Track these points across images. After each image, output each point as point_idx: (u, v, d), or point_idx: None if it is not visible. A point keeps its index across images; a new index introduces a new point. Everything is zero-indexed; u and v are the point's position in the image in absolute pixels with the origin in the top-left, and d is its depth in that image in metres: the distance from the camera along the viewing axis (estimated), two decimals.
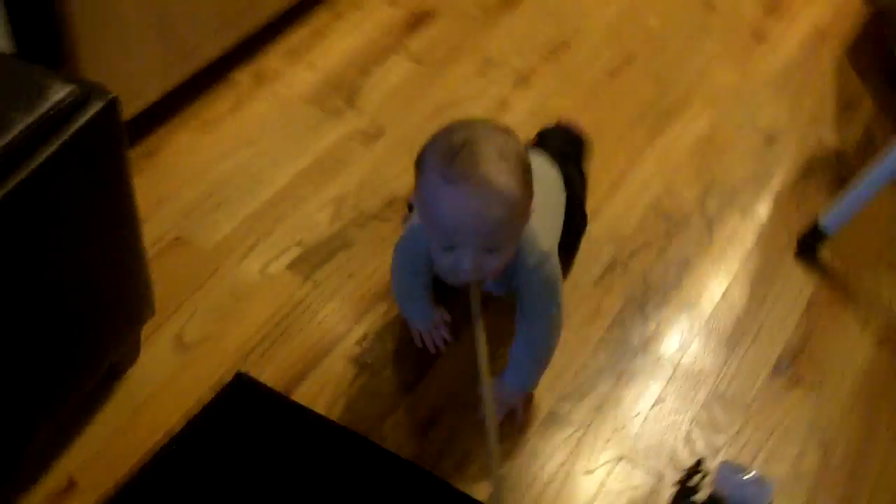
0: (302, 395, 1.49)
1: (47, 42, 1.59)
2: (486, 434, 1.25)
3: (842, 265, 1.74)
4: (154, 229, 1.71)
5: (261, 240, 1.72)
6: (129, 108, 1.77)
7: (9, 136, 1.13)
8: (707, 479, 1.32)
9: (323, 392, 1.49)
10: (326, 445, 1.43)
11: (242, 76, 2.03)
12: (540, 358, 1.41)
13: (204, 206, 1.77)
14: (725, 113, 2.03)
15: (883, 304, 1.69)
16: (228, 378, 1.51)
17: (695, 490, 1.30)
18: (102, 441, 1.43)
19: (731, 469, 1.30)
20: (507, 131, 1.25)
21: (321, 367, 1.53)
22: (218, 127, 1.92)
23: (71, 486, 1.38)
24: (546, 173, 1.51)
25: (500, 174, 1.18)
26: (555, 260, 1.37)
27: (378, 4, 2.25)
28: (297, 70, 2.05)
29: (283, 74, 2.04)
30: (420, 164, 1.25)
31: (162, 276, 1.61)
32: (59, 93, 1.20)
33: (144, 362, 1.53)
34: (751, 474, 1.29)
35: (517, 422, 1.46)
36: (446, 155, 1.20)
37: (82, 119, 1.20)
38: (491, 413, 1.26)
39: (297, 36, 2.13)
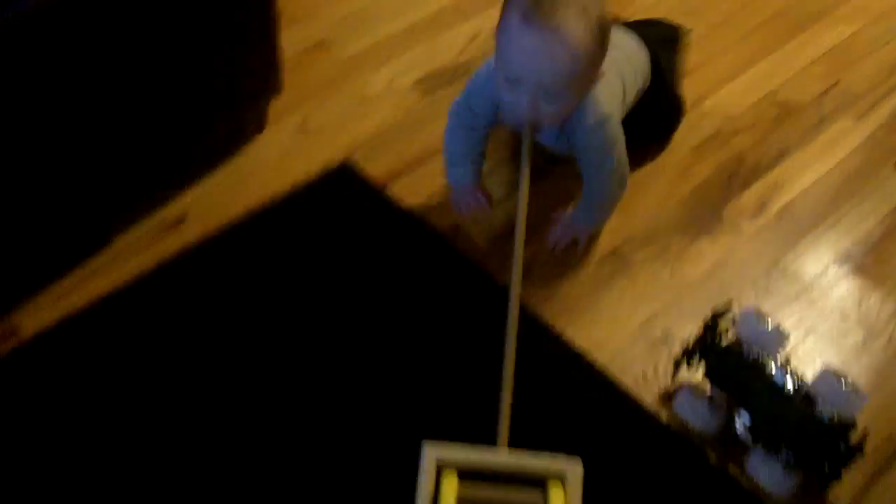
0: (397, 190, 1.66)
1: None
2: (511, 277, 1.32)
3: None
4: (303, 32, 1.91)
5: (395, 55, 1.89)
6: None
7: None
8: (731, 328, 1.41)
9: (414, 192, 1.65)
10: (404, 237, 1.59)
11: None
12: (602, 204, 1.54)
13: (353, 20, 1.95)
14: (869, 26, 2.04)
15: None
16: (337, 163, 1.69)
17: (719, 335, 1.39)
18: (218, 188, 1.64)
19: (754, 317, 1.38)
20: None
21: (419, 172, 1.69)
22: None
23: (181, 220, 1.60)
24: (629, 47, 1.58)
25: (576, 28, 1.27)
26: (615, 123, 1.45)
27: None
28: None
29: None
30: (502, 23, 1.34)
31: (301, 70, 1.82)
32: None
33: (269, 135, 1.74)
34: (771, 325, 1.37)
35: (577, 254, 1.58)
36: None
37: None
38: (519, 253, 1.32)
39: None
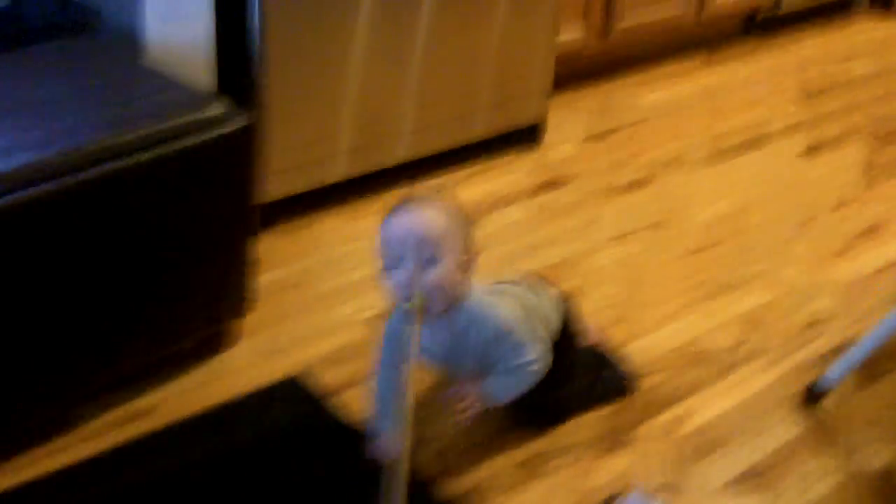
0: (346, 398, 1.89)
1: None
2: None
3: (834, 420, 1.95)
4: (283, 273, 2.23)
5: (360, 296, 2.17)
6: (299, 186, 2.34)
7: (164, 125, 1.68)
8: None
9: (359, 400, 1.87)
10: (338, 442, 1.80)
11: (395, 193, 2.55)
12: (501, 384, 1.70)
13: (326, 267, 2.27)
14: (783, 298, 2.31)
15: (859, 457, 1.87)
16: (293, 375, 1.93)
17: None
18: (186, 390, 1.88)
19: (640, 497, 1.55)
20: (451, 203, 1.64)
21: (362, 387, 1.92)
22: (362, 220, 2.44)
23: (150, 410, 1.82)
24: (539, 291, 1.83)
25: (431, 208, 1.59)
26: (508, 320, 1.66)
27: (525, 170, 2.74)
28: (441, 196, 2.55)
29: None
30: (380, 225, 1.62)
31: (276, 303, 2.11)
32: (214, 108, 1.75)
33: (238, 350, 2.00)
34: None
35: (457, 410, 1.73)
36: (395, 205, 1.62)
37: (225, 128, 1.74)
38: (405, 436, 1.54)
39: (451, 174, 2.65)
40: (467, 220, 1.65)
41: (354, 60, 2.31)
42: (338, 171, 2.43)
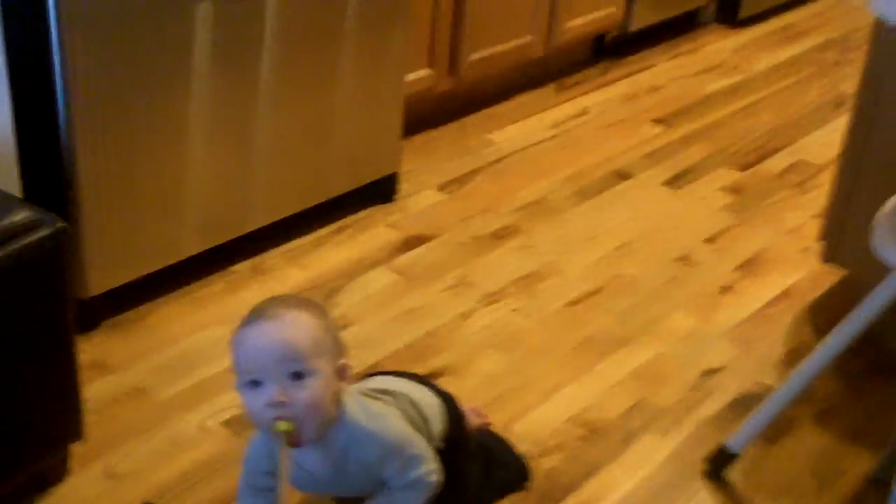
0: None
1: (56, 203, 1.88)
2: None
3: (746, 490, 1.80)
4: (119, 379, 1.95)
5: (208, 399, 1.91)
6: (130, 274, 2.06)
7: None
8: None
9: None
10: None
11: (242, 267, 2.30)
12: (398, 502, 1.48)
13: (169, 366, 1.99)
14: (673, 349, 2.16)
15: None
16: None
17: None
18: None
19: None
20: (314, 303, 1.42)
21: None
22: (206, 305, 2.17)
23: None
24: (417, 391, 1.59)
25: (297, 313, 1.35)
26: (396, 432, 1.45)
27: (381, 228, 2.52)
28: (291, 269, 2.31)
29: (277, 271, 2.30)
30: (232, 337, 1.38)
31: (113, 417, 1.83)
32: (17, 215, 1.47)
33: (73, 483, 1.71)
34: None
35: None
36: (250, 313, 1.38)
37: (29, 238, 1.46)
38: None
39: (299, 242, 2.41)
40: (331, 323, 1.42)
41: (189, 133, 2.05)
42: (182, 251, 2.16)
